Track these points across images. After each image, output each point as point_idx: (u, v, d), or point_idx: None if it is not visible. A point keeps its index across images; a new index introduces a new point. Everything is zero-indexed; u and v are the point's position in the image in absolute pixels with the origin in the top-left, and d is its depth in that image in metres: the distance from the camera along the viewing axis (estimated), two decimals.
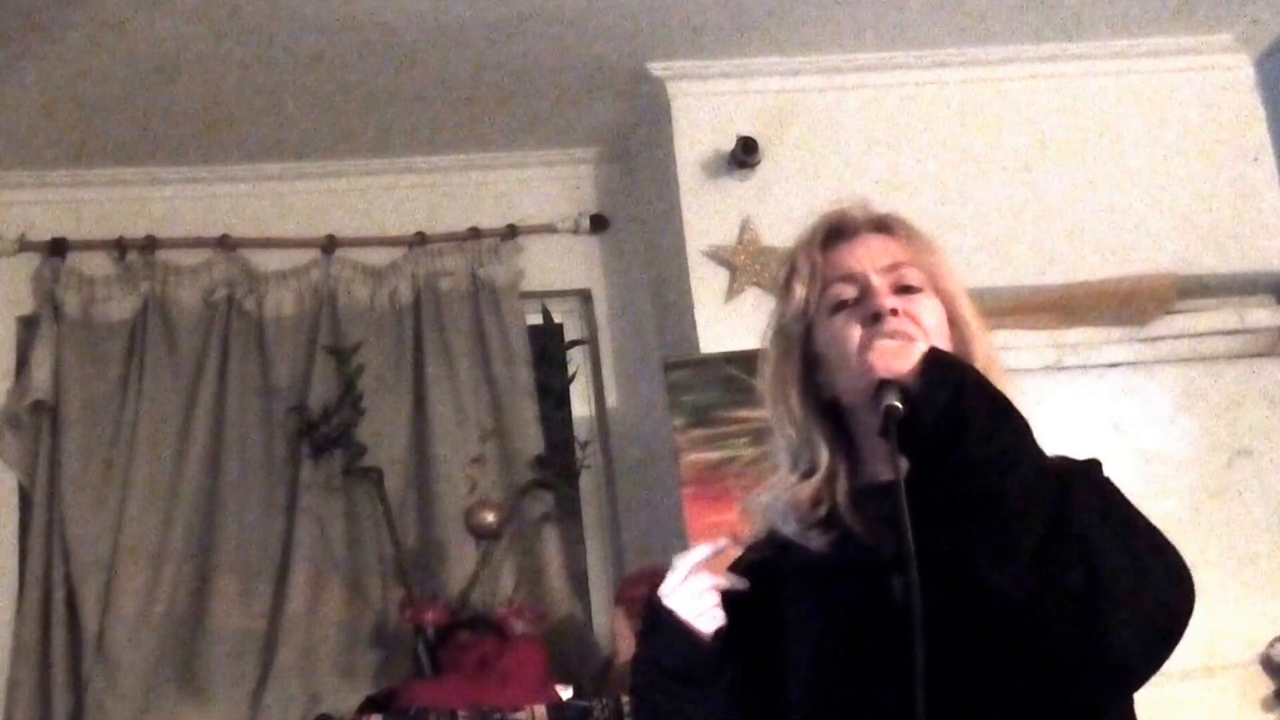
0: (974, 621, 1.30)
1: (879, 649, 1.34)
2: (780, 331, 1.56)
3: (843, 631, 1.42)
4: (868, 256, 1.51)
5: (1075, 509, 1.27)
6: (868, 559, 1.41)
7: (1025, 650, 1.28)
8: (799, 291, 1.54)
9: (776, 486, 1.54)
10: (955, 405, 1.32)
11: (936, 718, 1.27)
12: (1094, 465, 1.39)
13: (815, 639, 1.45)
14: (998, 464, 1.29)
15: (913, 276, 1.50)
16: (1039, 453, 1.33)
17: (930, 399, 1.33)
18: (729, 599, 1.49)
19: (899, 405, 1.34)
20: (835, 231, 1.56)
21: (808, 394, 1.53)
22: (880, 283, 1.48)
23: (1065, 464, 1.36)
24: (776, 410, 1.55)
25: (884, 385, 1.37)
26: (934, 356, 1.38)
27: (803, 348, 1.53)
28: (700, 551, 1.51)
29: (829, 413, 1.52)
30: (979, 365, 1.45)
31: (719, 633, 1.48)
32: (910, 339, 1.41)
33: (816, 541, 1.47)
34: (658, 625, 1.49)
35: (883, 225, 1.56)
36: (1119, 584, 1.24)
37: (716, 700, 1.48)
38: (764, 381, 1.58)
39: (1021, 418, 1.35)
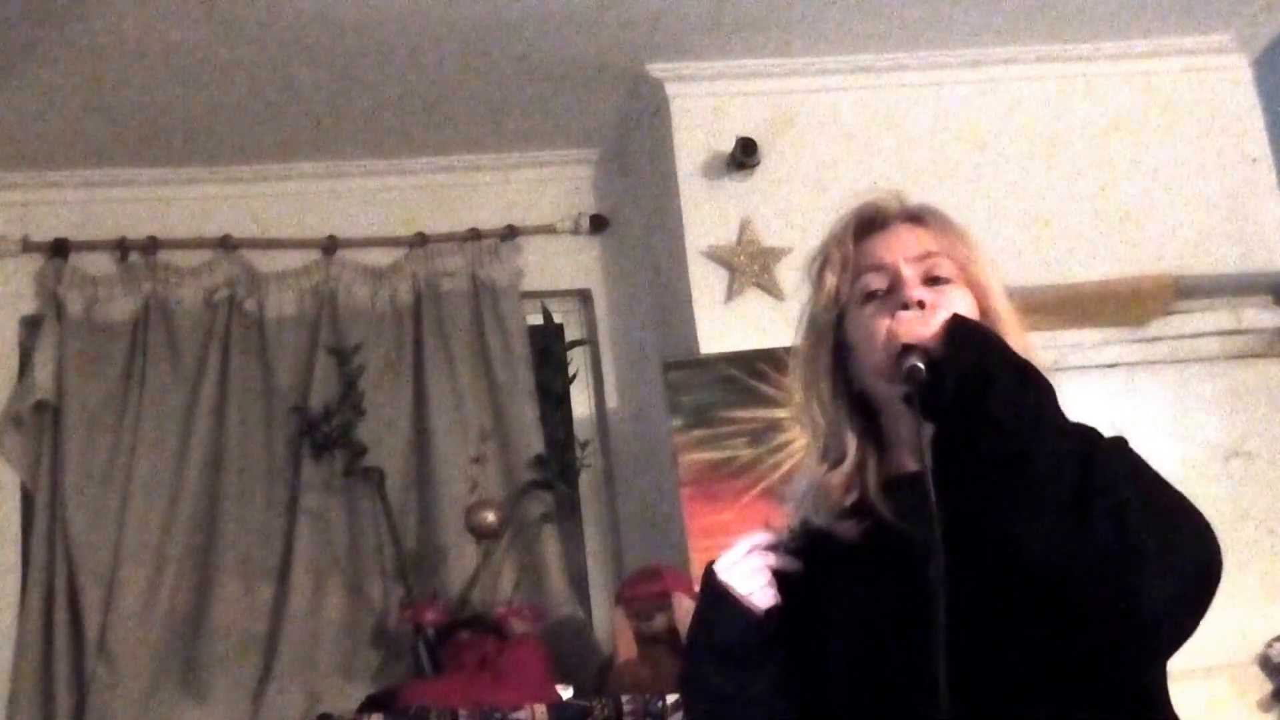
0: (1009, 593, 1.30)
1: (916, 635, 1.34)
2: (812, 321, 1.56)
3: (879, 619, 1.42)
4: (899, 246, 1.51)
5: (1102, 469, 1.26)
6: (900, 547, 1.40)
7: (1060, 614, 1.28)
8: (830, 281, 1.54)
9: (808, 476, 1.55)
10: (978, 367, 1.33)
11: (976, 694, 1.29)
12: (1120, 439, 1.38)
13: (851, 627, 1.45)
14: (1023, 423, 1.29)
15: (944, 267, 1.49)
16: (1063, 415, 1.33)
17: (953, 361, 1.34)
18: (781, 580, 1.50)
19: (921, 366, 1.35)
20: (868, 222, 1.56)
21: (838, 383, 1.53)
22: (911, 273, 1.48)
23: (1092, 432, 1.35)
24: (807, 398, 1.55)
25: (906, 350, 1.38)
26: (956, 321, 1.39)
27: (834, 337, 1.53)
28: (760, 536, 1.52)
29: (859, 403, 1.53)
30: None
31: (772, 611, 1.48)
32: (930, 311, 1.42)
33: (849, 531, 1.47)
34: (714, 601, 1.50)
35: (915, 216, 1.56)
36: (1149, 542, 1.23)
37: (768, 678, 1.48)
38: (795, 369, 1.58)
39: (1045, 380, 1.35)
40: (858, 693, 1.42)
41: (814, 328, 1.56)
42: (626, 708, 2.78)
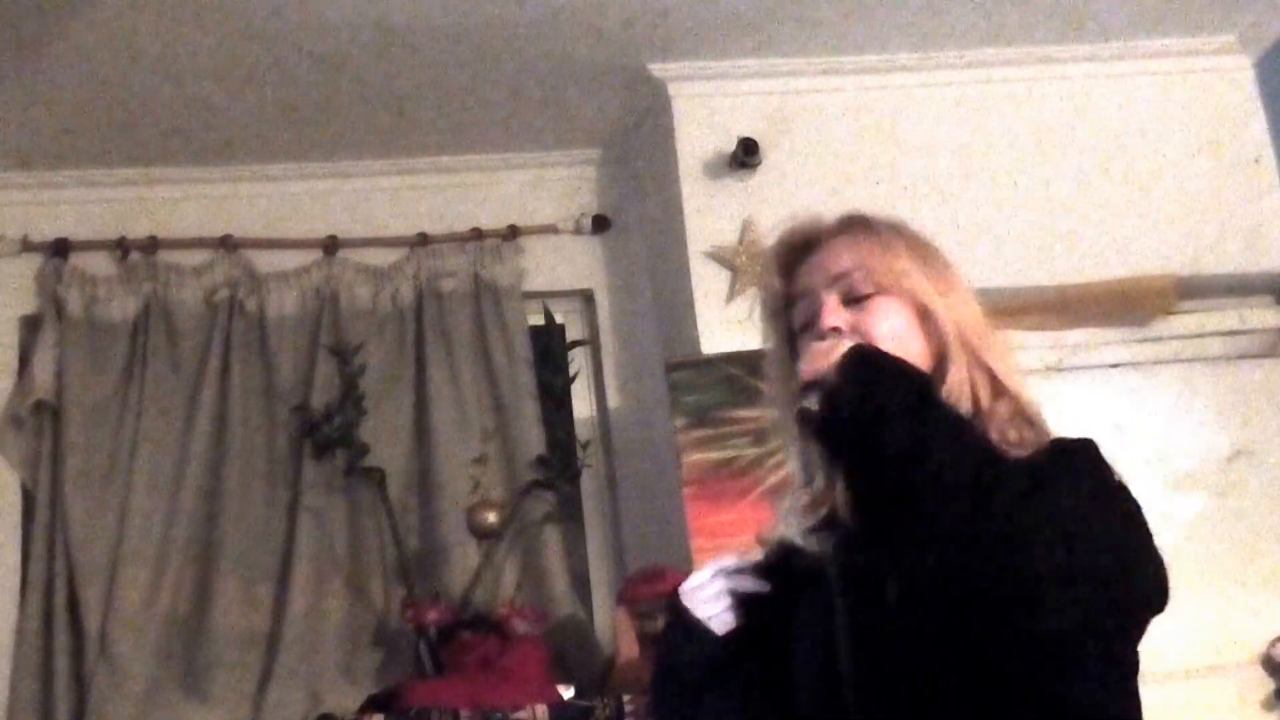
0: (921, 616, 1.32)
1: (827, 654, 1.38)
2: (768, 359, 1.59)
3: (838, 634, 1.43)
4: (818, 270, 1.50)
5: (1000, 497, 1.24)
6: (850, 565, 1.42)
7: (965, 637, 1.29)
8: (766, 326, 1.57)
9: (789, 493, 1.57)
10: (867, 400, 1.32)
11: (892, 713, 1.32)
12: (1075, 449, 1.36)
13: (812, 642, 1.46)
14: (909, 455, 1.29)
15: (863, 283, 1.47)
16: (959, 440, 1.31)
17: (843, 396, 1.34)
18: (748, 602, 1.52)
19: (811, 408, 1.36)
20: (788, 251, 1.55)
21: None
22: (831, 298, 1.47)
23: (993, 459, 1.32)
24: (780, 425, 1.57)
25: (806, 388, 1.38)
26: (853, 353, 1.37)
27: (792, 368, 1.53)
28: (727, 559, 1.54)
29: None
30: (957, 360, 1.43)
31: (730, 635, 1.50)
32: (839, 341, 1.41)
33: (818, 545, 1.48)
34: (673, 623, 1.53)
35: (832, 233, 1.54)
36: (1048, 567, 1.22)
37: (725, 701, 1.49)
38: (767, 399, 1.61)
39: (941, 407, 1.34)
40: (820, 711, 1.43)
41: (770, 365, 1.57)
42: (628, 708, 2.78)
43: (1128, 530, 1.30)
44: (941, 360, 1.45)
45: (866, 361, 1.37)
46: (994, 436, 1.40)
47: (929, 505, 1.27)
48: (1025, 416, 1.43)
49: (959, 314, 1.47)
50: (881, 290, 1.47)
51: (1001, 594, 1.23)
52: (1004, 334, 1.52)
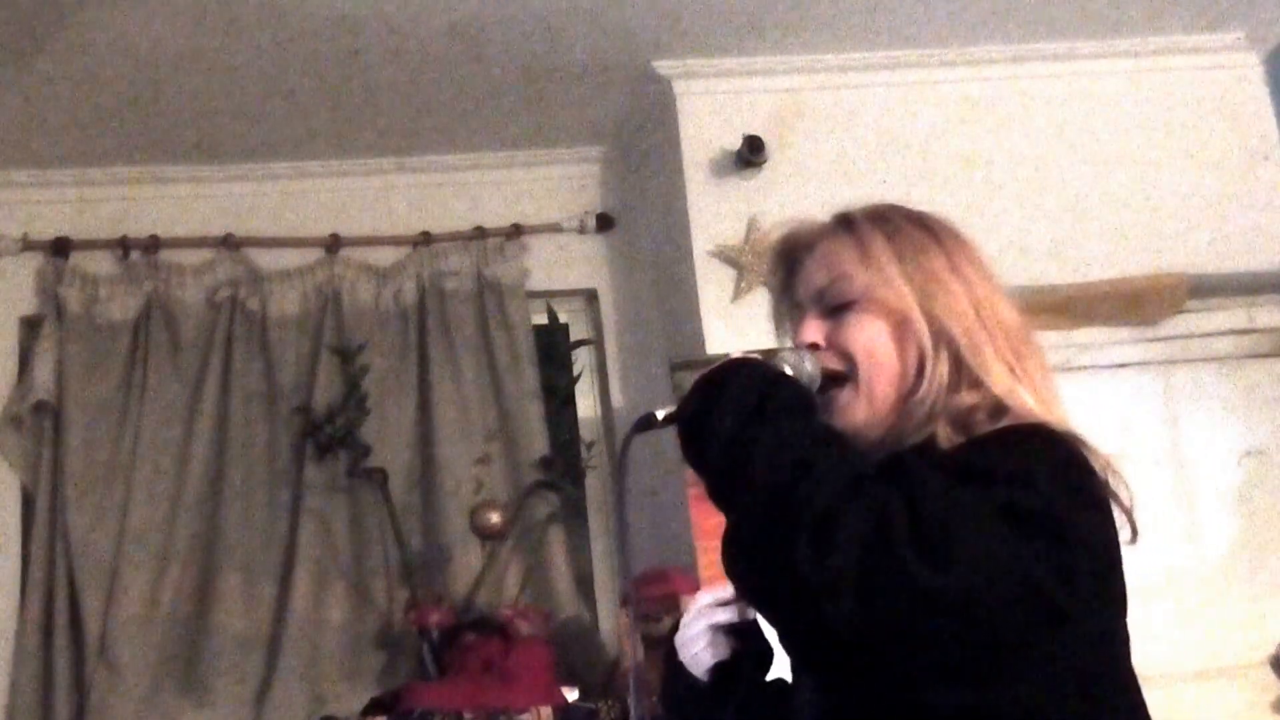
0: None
1: None
2: None
3: None
4: (804, 283, 1.48)
5: (810, 505, 1.15)
6: None
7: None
8: (778, 336, 1.56)
9: None
10: (703, 407, 1.30)
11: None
12: (979, 446, 1.30)
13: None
14: (725, 460, 1.27)
15: (840, 294, 1.44)
16: (781, 448, 1.22)
17: (685, 402, 1.34)
18: (743, 631, 1.52)
19: (655, 414, 1.39)
20: (783, 261, 1.53)
21: None
22: (812, 311, 1.46)
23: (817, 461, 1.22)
24: None
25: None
26: (720, 366, 1.33)
27: None
28: (705, 595, 1.55)
29: None
30: (935, 358, 1.37)
31: (716, 667, 1.52)
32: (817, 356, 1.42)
33: None
34: (666, 664, 1.58)
35: (817, 238, 1.50)
36: (813, 569, 1.12)
37: None
38: None
39: (779, 417, 1.26)
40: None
41: None
42: (632, 710, 2.76)
43: (964, 534, 1.14)
44: (923, 362, 1.39)
45: (722, 370, 1.33)
46: (942, 431, 1.35)
47: (740, 510, 1.23)
48: (994, 409, 1.35)
49: (944, 308, 1.41)
50: (858, 300, 1.43)
51: (800, 605, 1.14)
52: (1009, 321, 1.44)
